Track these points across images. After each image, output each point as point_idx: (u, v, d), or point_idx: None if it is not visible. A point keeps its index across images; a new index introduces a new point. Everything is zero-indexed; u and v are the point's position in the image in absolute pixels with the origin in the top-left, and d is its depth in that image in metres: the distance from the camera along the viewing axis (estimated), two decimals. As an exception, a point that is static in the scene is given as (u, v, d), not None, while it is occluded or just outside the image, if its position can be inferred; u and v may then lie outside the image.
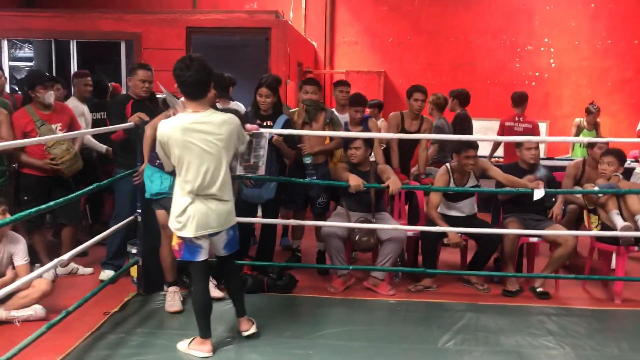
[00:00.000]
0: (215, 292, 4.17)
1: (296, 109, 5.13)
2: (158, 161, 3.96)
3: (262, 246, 4.90)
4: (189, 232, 3.20)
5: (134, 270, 4.54)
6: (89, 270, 4.90)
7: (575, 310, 4.27)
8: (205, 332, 3.37)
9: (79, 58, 7.23)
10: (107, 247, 4.79)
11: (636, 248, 4.50)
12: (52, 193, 4.50)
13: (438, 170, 4.90)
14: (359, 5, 10.02)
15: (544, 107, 9.58)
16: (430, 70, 9.74)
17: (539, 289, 4.57)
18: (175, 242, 3.31)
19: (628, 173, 5.72)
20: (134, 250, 4.53)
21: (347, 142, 4.77)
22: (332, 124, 4.93)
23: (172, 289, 4.13)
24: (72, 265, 4.83)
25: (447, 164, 4.80)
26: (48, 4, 9.31)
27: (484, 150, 8.90)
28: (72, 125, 4.75)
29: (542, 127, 9.55)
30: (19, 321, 3.78)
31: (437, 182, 4.75)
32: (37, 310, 3.83)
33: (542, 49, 9.57)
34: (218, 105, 5.13)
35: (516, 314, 4.15)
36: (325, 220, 4.82)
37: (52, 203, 3.25)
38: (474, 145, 4.62)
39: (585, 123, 7.88)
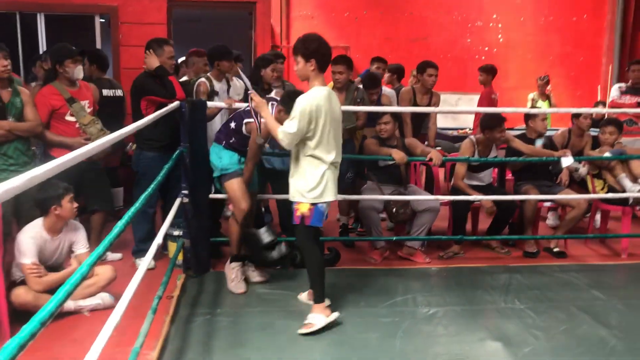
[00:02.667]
0: (256, 277, 4.21)
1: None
2: (233, 139, 3.93)
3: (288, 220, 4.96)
4: (329, 197, 3.44)
5: (172, 252, 4.48)
6: (118, 255, 4.73)
7: (596, 266, 4.74)
8: (323, 297, 3.51)
9: (48, 33, 6.74)
10: (133, 233, 4.64)
11: (638, 207, 5.03)
12: (84, 177, 4.31)
13: (462, 144, 5.15)
14: (314, -21, 10.01)
15: (493, 81, 10.12)
16: (387, 45, 9.96)
17: (555, 249, 5.00)
18: (306, 209, 3.41)
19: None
20: (177, 233, 4.45)
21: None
22: (363, 103, 5.04)
23: (234, 264, 4.09)
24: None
25: (472, 137, 5.07)
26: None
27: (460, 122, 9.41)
28: (95, 104, 4.52)
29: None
30: (87, 311, 3.65)
31: (462, 154, 5.01)
32: (104, 298, 3.71)
33: (491, 24, 10.08)
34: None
35: (548, 272, 4.53)
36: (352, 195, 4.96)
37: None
38: (503, 121, 4.91)
39: (537, 95, 8.51)
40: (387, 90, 6.02)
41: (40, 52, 6.33)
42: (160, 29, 6.78)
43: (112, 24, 6.72)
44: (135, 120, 4.42)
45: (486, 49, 10.15)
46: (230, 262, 4.11)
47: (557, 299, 3.98)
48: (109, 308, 3.67)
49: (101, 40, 6.87)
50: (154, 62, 4.39)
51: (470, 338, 3.38)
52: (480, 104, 7.47)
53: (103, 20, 7.14)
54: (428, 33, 10.08)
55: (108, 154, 4.62)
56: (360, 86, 5.30)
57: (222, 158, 3.99)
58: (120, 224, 2.30)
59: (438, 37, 10.09)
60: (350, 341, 3.33)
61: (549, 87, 8.49)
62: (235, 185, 3.97)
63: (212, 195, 4.34)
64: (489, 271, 4.53)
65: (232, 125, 4.00)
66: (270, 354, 3.15)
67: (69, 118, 4.27)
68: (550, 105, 8.37)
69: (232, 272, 4.07)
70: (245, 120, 3.92)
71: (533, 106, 8.50)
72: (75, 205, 3.58)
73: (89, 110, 4.37)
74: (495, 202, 4.88)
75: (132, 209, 2.51)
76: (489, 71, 7.25)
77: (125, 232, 4.66)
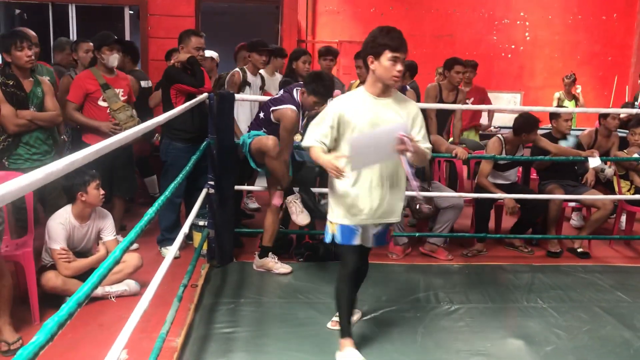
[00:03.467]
0: (281, 269, 4.26)
1: (354, 81, 5.21)
2: (264, 129, 3.96)
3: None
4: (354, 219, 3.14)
5: (196, 242, 4.54)
6: (135, 245, 4.79)
7: (620, 267, 4.69)
8: (348, 332, 3.11)
9: (79, 24, 6.85)
10: (159, 222, 4.71)
11: (665, 210, 4.97)
12: (114, 164, 4.40)
13: (489, 141, 5.13)
14: (340, -25, 10.01)
15: (518, 79, 10.05)
16: (412, 41, 9.68)
17: (579, 250, 4.96)
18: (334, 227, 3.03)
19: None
20: (202, 223, 4.51)
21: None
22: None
23: (269, 257, 4.26)
24: (119, 238, 4.73)
25: (500, 135, 5.04)
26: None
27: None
28: (130, 94, 4.60)
29: (517, 97, 10.19)
30: (113, 297, 3.72)
31: (489, 151, 4.98)
32: (130, 285, 3.78)
33: (518, 22, 9.98)
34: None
35: (572, 272, 4.50)
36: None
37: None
38: (539, 122, 4.87)
39: (564, 94, 8.41)
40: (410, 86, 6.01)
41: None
42: (189, 22, 6.85)
43: (141, 16, 6.81)
44: (165, 110, 4.49)
45: (512, 47, 10.06)
46: (261, 256, 4.21)
47: (580, 299, 3.96)
48: (135, 295, 3.76)
49: (130, 31, 6.97)
50: (182, 54, 4.46)
51: (492, 335, 3.38)
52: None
53: (132, 12, 7.23)
54: (454, 30, 10.02)
55: (140, 142, 4.69)
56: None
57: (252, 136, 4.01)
58: (150, 211, 2.34)
59: (464, 34, 10.02)
60: (371, 335, 3.34)
61: (578, 89, 8.38)
62: (270, 141, 3.90)
63: (237, 187, 4.39)
64: (511, 270, 4.52)
65: (262, 115, 4.03)
66: (292, 345, 3.19)
67: (101, 103, 4.39)
68: (578, 105, 8.26)
69: (270, 260, 4.25)
70: (272, 108, 3.94)
71: (559, 105, 8.41)
72: (102, 192, 3.65)
73: (122, 98, 4.46)
74: (520, 202, 4.85)
75: (161, 198, 2.56)
76: (409, 68, 6.85)
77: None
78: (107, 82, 4.38)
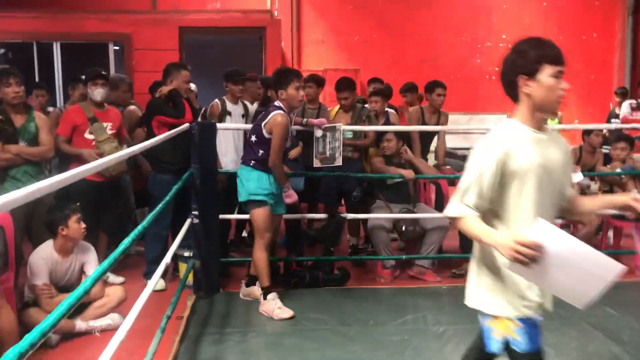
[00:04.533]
0: (283, 313, 3.91)
1: (332, 108, 5.27)
2: (260, 151, 3.91)
3: (294, 240, 5.03)
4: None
5: (182, 272, 4.51)
6: (120, 279, 4.76)
7: (609, 283, 4.66)
8: None
9: (64, 62, 6.92)
10: (145, 255, 4.69)
11: (651, 223, 4.98)
12: (100, 198, 4.43)
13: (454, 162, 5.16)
14: (324, 5, 10.16)
15: (503, 101, 9.97)
16: (396, 67, 10.04)
17: (567, 266, 4.94)
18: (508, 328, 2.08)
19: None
20: (187, 254, 4.48)
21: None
22: (369, 120, 5.09)
23: (271, 296, 3.97)
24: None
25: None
26: (28, 3, 8.78)
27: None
28: (120, 129, 4.64)
29: (503, 119, 10.25)
30: (98, 331, 3.68)
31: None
32: (114, 318, 3.74)
33: (500, 44, 10.12)
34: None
35: (561, 290, 4.47)
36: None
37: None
38: None
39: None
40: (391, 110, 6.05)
41: (56, 80, 6.56)
42: (173, 55, 6.92)
43: (126, 51, 6.88)
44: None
45: (496, 69, 10.10)
46: (265, 296, 3.97)
47: (568, 316, 3.91)
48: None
49: (115, 66, 7.02)
50: (166, 87, 4.51)
51: (480, 355, 3.34)
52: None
53: (117, 48, 7.30)
54: (437, 54, 10.15)
55: (133, 175, 4.74)
56: (367, 105, 5.36)
57: (249, 181, 3.92)
58: (125, 241, 2.33)
59: (447, 58, 10.15)
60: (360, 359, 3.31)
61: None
62: (261, 215, 3.91)
63: (222, 216, 4.39)
64: (500, 289, 4.49)
65: (253, 139, 3.98)
66: (279, 373, 3.15)
67: (87, 136, 4.45)
68: (559, 123, 8.34)
69: (272, 304, 3.92)
70: (263, 123, 3.89)
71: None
72: (83, 226, 3.62)
73: (110, 132, 4.49)
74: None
75: (138, 228, 2.55)
76: (411, 89, 6.94)
77: (134, 256, 4.72)
78: (95, 116, 4.46)
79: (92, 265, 3.76)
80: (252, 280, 4.23)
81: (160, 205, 3.10)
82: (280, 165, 3.97)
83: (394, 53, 10.16)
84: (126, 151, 2.60)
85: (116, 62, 7.03)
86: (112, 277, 4.70)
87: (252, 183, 3.91)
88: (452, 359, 3.31)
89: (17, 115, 4.04)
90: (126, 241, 2.34)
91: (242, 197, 3.99)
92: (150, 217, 2.76)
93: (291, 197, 4.09)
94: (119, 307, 3.79)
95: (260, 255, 3.96)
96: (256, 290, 4.16)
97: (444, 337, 3.62)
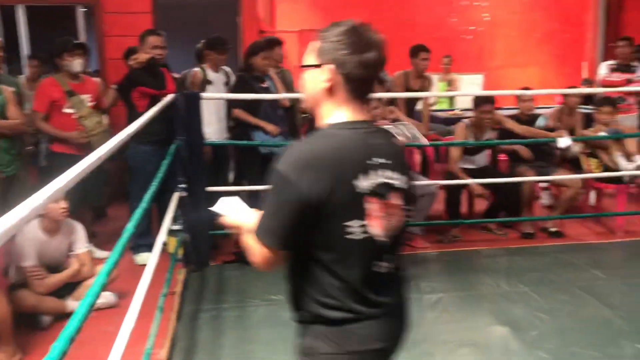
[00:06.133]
0: None
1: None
2: None
3: None
4: None
5: (172, 247, 4.43)
6: (106, 253, 4.66)
7: (593, 245, 4.78)
8: None
9: (29, 25, 6.57)
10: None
11: (632, 185, 5.08)
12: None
13: (456, 127, 5.14)
14: (298, -38, 9.87)
15: (479, 60, 10.11)
16: (374, 27, 9.88)
17: (552, 229, 5.03)
18: None
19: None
20: (176, 227, 4.39)
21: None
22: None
23: None
24: (91, 247, 4.59)
25: (466, 120, 5.05)
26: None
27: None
28: (99, 98, 4.44)
29: (479, 78, 10.24)
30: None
31: (457, 137, 4.99)
32: (107, 297, 3.66)
33: (476, 3, 10.03)
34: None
35: (548, 253, 4.56)
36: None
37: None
38: (490, 100, 4.89)
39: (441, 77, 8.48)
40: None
41: (22, 46, 6.27)
42: (145, 18, 6.63)
43: (96, 14, 6.56)
44: (129, 113, 4.36)
45: (472, 28, 10.11)
46: None
47: (559, 281, 4.01)
48: (112, 307, 3.65)
49: (84, 31, 6.72)
50: (142, 55, 4.32)
51: (478, 324, 3.40)
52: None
53: (85, 10, 6.97)
54: (413, 14, 10.00)
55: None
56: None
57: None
58: (129, 227, 2.26)
59: (423, 18, 10.01)
60: (358, 332, 3.32)
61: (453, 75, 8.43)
62: None
63: (209, 188, 4.29)
64: (489, 254, 4.56)
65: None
66: (279, 348, 3.13)
67: (67, 110, 4.22)
68: (450, 88, 8.28)
69: None
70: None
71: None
72: (62, 204, 3.46)
73: (90, 104, 4.30)
74: (493, 185, 4.88)
75: (139, 211, 2.47)
76: None
77: (114, 228, 4.63)
78: (72, 89, 4.22)
79: (80, 244, 3.67)
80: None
81: (155, 182, 2.99)
82: None
83: (370, 13, 9.94)
84: (119, 136, 2.48)
85: (86, 26, 6.71)
86: (98, 253, 4.60)
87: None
88: (451, 328, 3.35)
89: None
90: (130, 226, 2.27)
91: None
92: (149, 195, 2.67)
93: None
94: (110, 284, 3.71)
95: None
96: None
97: (440, 305, 3.65)
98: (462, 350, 3.11)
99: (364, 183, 1.41)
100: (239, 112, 4.63)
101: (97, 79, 4.68)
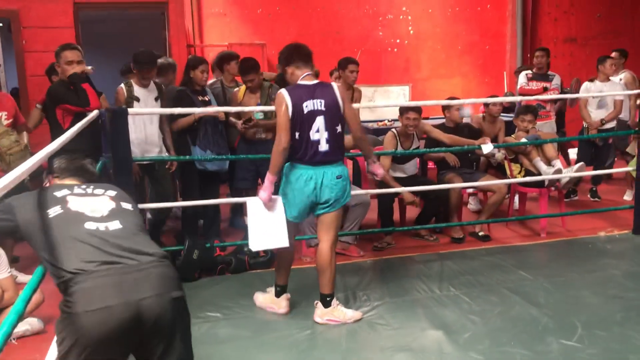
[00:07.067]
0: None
1: (239, 88, 5.15)
2: None
3: (210, 224, 5.09)
4: None
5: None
6: (28, 277, 4.45)
7: (519, 247, 4.98)
8: None
9: (-58, 41, 6.27)
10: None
11: (553, 188, 5.33)
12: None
13: (384, 137, 5.24)
14: (224, -23, 9.85)
15: (405, 72, 10.39)
16: (301, 41, 9.71)
17: (480, 233, 5.20)
18: None
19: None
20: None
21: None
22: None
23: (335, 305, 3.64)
24: (13, 271, 4.38)
25: (394, 129, 5.17)
26: None
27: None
28: (16, 115, 4.26)
29: (406, 89, 10.52)
30: (14, 339, 3.42)
31: (385, 147, 5.09)
32: (32, 323, 3.50)
33: (401, 17, 10.30)
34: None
35: (476, 257, 4.71)
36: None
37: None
38: (414, 108, 5.03)
39: None
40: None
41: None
42: (68, 33, 6.47)
43: (14, 29, 6.33)
44: (53, 131, 4.21)
45: (397, 41, 10.38)
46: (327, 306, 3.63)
47: (488, 283, 4.15)
48: (39, 333, 3.49)
49: (2, 46, 6.45)
50: (65, 72, 4.18)
51: (413, 329, 3.46)
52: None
53: (1, 25, 6.71)
54: (340, 27, 10.17)
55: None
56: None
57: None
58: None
59: (350, 31, 10.20)
60: (294, 343, 3.32)
61: None
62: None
63: (141, 205, 4.18)
64: (421, 260, 4.66)
65: (339, 129, 3.67)
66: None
67: None
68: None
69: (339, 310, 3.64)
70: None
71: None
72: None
73: (5, 122, 4.13)
74: (422, 192, 5.00)
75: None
76: None
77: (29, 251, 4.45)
78: None
79: (2, 269, 3.48)
80: (328, 301, 3.66)
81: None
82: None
83: (299, 27, 10.05)
84: (39, 154, 2.38)
85: (3, 41, 6.45)
86: (20, 277, 4.39)
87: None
88: (387, 335, 3.40)
89: None
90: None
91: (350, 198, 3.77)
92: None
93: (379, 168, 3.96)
94: (36, 310, 3.55)
95: (331, 256, 3.68)
96: (333, 310, 3.62)
97: (375, 313, 3.70)
98: (398, 356, 3.16)
99: None
100: (176, 125, 4.75)
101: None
